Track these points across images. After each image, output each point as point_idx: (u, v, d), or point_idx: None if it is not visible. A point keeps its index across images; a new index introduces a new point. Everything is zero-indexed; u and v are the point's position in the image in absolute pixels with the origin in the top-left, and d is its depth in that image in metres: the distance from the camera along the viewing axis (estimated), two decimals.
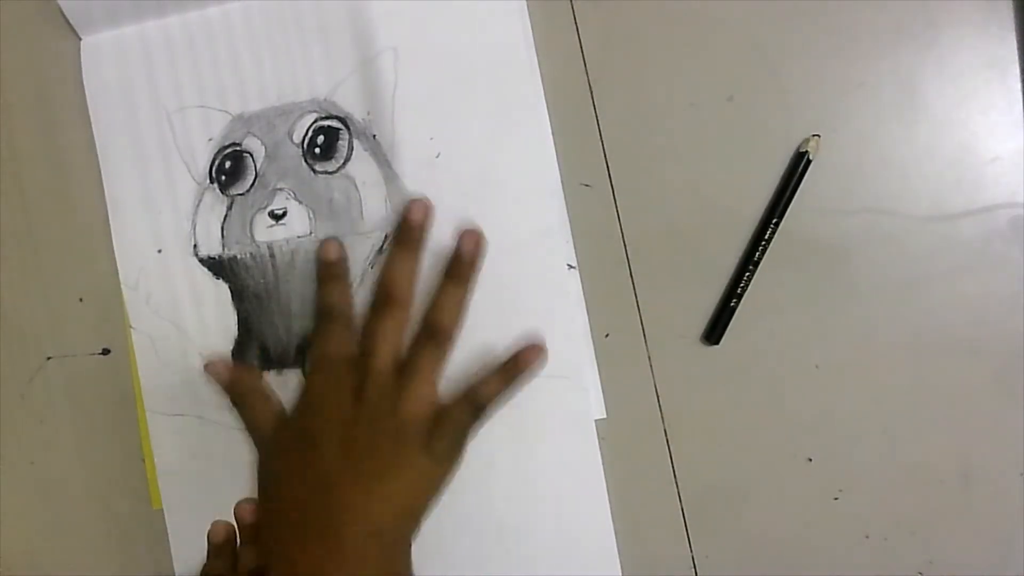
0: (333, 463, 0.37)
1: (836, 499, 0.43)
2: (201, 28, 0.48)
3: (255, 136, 0.47)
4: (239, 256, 0.47)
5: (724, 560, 0.44)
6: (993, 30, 0.42)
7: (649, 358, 0.44)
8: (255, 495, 0.47)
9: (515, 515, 0.45)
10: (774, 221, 0.42)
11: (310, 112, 0.47)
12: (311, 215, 0.47)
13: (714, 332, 0.43)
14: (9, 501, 0.50)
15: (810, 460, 0.43)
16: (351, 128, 0.46)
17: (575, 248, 0.45)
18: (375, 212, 0.46)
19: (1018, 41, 0.42)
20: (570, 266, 0.45)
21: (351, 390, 0.39)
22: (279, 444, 0.40)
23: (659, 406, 0.44)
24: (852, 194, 0.43)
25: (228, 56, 0.47)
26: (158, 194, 0.48)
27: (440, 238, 0.45)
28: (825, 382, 0.43)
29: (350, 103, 0.46)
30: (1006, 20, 0.42)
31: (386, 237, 0.46)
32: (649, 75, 0.44)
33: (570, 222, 0.45)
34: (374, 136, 0.46)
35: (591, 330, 0.45)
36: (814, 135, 0.42)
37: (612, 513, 0.44)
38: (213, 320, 0.47)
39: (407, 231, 0.40)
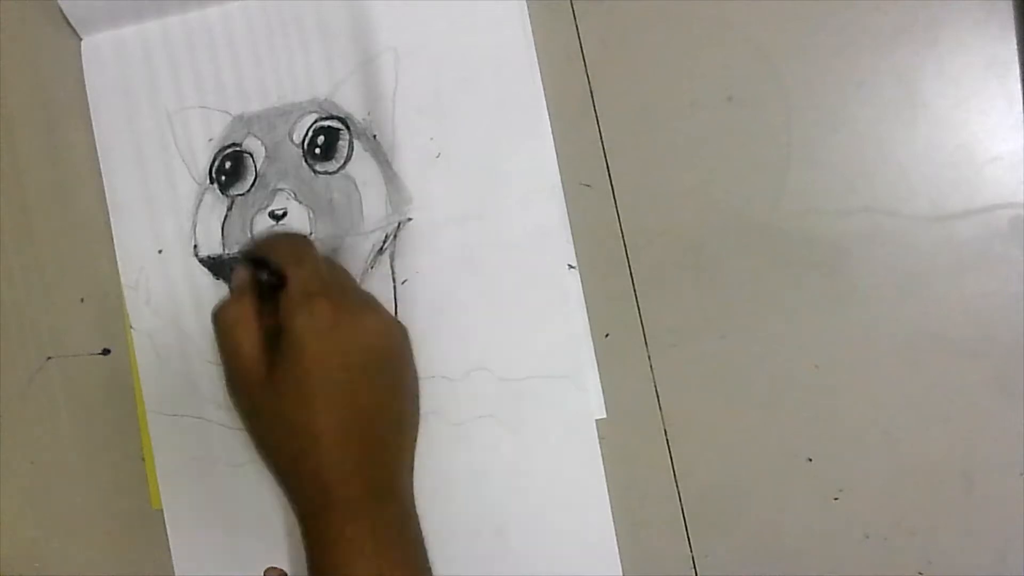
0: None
1: (836, 499, 0.43)
2: (201, 28, 0.48)
3: (255, 136, 0.47)
4: (239, 256, 0.47)
5: (724, 560, 0.44)
6: (993, 30, 0.42)
7: (649, 358, 0.44)
8: (253, 495, 0.47)
9: (515, 515, 0.45)
10: None
11: (310, 112, 0.47)
12: (311, 215, 0.47)
13: None
14: (9, 501, 0.50)
15: (810, 460, 0.43)
16: (351, 128, 0.46)
17: (575, 248, 0.45)
18: (375, 212, 0.46)
19: (1018, 41, 0.42)
20: (570, 266, 0.45)
21: None
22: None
23: (659, 406, 0.44)
24: (852, 194, 0.43)
25: (228, 56, 0.47)
26: (158, 194, 0.48)
27: (441, 238, 0.45)
28: (825, 382, 0.43)
29: (350, 103, 0.46)
30: (1006, 20, 0.42)
31: (386, 237, 0.46)
32: (649, 75, 0.44)
33: (570, 222, 0.45)
34: (374, 136, 0.46)
35: (591, 330, 0.45)
36: None
37: (612, 513, 0.44)
38: None
39: None
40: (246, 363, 0.39)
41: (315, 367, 0.37)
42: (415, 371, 0.42)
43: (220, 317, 0.40)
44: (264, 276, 0.41)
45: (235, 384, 0.40)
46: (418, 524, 0.40)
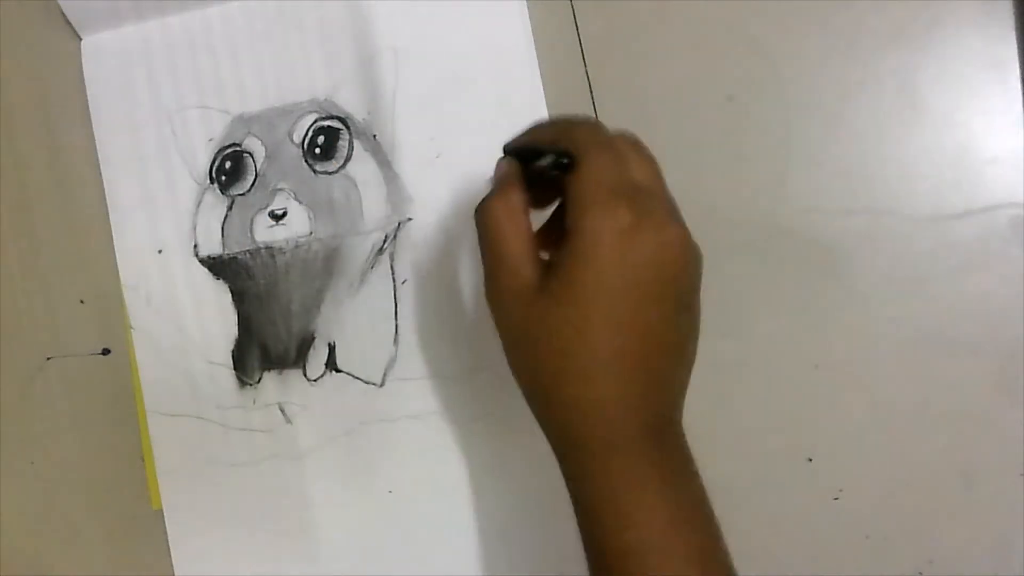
0: None
1: (836, 499, 0.43)
2: (201, 28, 0.48)
3: (255, 136, 0.47)
4: (239, 256, 0.47)
5: None
6: (993, 30, 0.42)
7: None
8: (253, 495, 0.47)
9: (515, 515, 0.45)
10: None
11: (310, 112, 0.47)
12: (311, 215, 0.47)
13: None
14: (9, 501, 0.50)
15: (810, 460, 0.43)
16: (351, 128, 0.46)
17: None
18: (375, 212, 0.46)
19: (1018, 41, 0.42)
20: None
21: None
22: None
23: None
24: (852, 194, 0.43)
25: (228, 56, 0.47)
26: (158, 194, 0.48)
27: (441, 238, 0.45)
28: (825, 382, 0.43)
29: (350, 103, 0.46)
30: (1006, 20, 0.42)
31: (386, 237, 0.46)
32: (649, 75, 0.44)
33: None
34: (374, 136, 0.46)
35: None
36: None
37: None
38: (213, 320, 0.47)
39: None
40: (516, 265, 0.33)
41: (605, 278, 0.31)
42: (699, 300, 0.36)
43: (484, 212, 0.34)
44: (546, 162, 0.34)
45: (499, 291, 0.34)
46: (695, 464, 0.35)
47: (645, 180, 0.34)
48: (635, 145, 0.35)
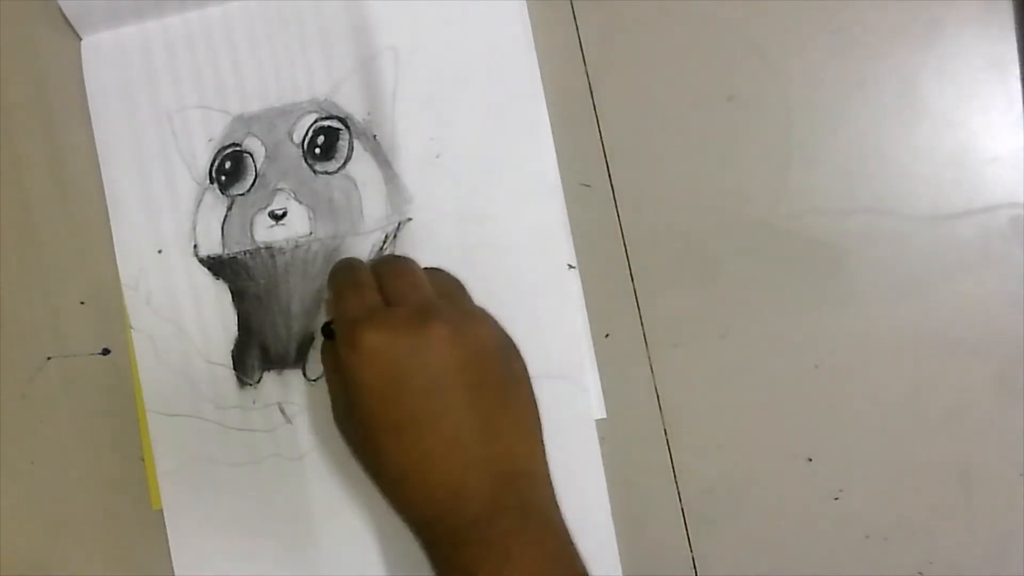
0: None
1: (836, 499, 0.43)
2: (201, 28, 0.48)
3: (255, 136, 0.47)
4: (239, 256, 0.47)
5: (724, 560, 0.44)
6: (993, 30, 0.42)
7: (649, 358, 0.44)
8: (253, 495, 0.47)
9: None
10: None
11: (310, 112, 0.47)
12: (311, 215, 0.47)
13: None
14: (9, 501, 0.50)
15: (810, 460, 0.43)
16: (351, 128, 0.46)
17: (575, 248, 0.45)
18: (375, 212, 0.46)
19: (1018, 41, 0.42)
20: (570, 266, 0.45)
21: None
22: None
23: (659, 406, 0.44)
24: (852, 194, 0.43)
25: (228, 56, 0.47)
26: (158, 194, 0.48)
27: (441, 238, 0.45)
28: (825, 382, 0.43)
29: (350, 103, 0.46)
30: (1006, 20, 0.42)
31: (386, 237, 0.46)
32: (649, 75, 0.44)
33: (570, 222, 0.45)
34: (374, 136, 0.46)
35: (591, 330, 0.45)
36: None
37: (612, 513, 0.44)
38: (213, 320, 0.47)
39: None
40: (336, 408, 0.39)
41: (376, 403, 0.35)
42: (516, 366, 0.38)
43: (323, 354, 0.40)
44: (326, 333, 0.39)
45: (337, 421, 0.40)
46: (569, 538, 0.37)
47: (395, 294, 0.37)
48: (391, 264, 0.39)
